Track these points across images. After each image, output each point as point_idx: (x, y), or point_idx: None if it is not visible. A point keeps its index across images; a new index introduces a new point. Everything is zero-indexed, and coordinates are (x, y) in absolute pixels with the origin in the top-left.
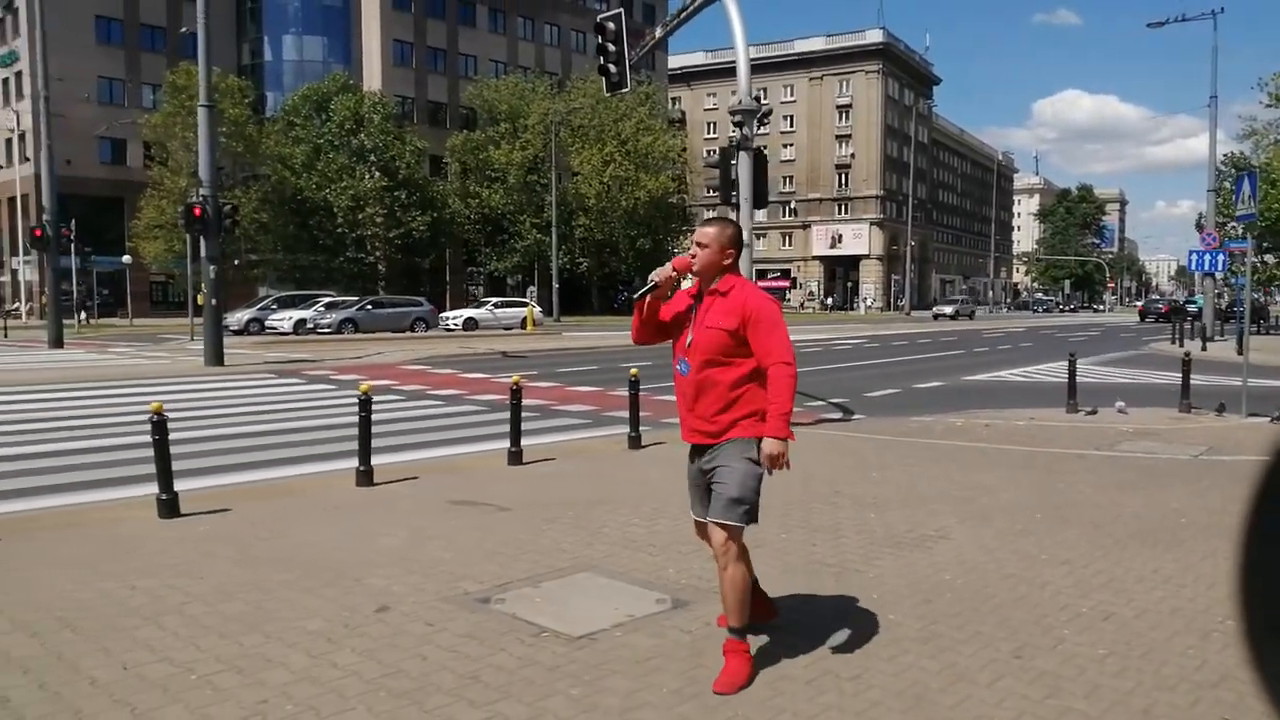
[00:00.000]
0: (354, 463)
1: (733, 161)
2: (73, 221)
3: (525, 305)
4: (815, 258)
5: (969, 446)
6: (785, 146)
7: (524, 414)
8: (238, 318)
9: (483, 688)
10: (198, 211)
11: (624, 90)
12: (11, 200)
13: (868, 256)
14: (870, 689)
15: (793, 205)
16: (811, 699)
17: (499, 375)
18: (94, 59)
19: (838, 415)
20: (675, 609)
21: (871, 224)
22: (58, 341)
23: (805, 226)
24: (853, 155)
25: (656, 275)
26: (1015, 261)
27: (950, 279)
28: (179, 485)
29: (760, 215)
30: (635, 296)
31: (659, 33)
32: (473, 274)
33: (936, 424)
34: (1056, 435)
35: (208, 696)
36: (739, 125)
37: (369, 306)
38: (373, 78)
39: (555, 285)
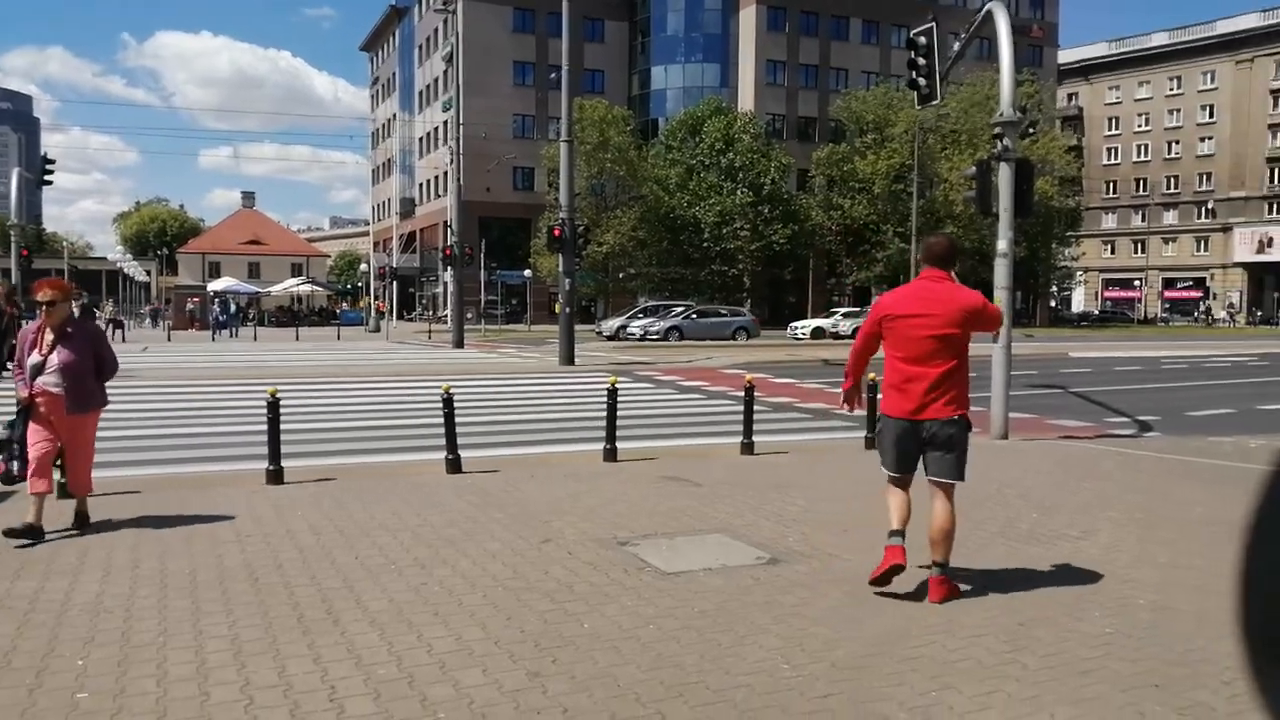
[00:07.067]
0: (619, 444)
1: (992, 174)
2: (483, 241)
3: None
4: (1237, 264)
5: (1230, 467)
6: (1203, 140)
7: (800, 415)
8: (610, 325)
9: (568, 592)
10: (557, 232)
11: (935, 103)
12: (445, 224)
13: None
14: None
15: (1210, 206)
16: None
17: (805, 381)
18: (511, 99)
19: (1130, 431)
20: (768, 564)
21: None
22: (459, 343)
23: (1225, 229)
24: None
25: None
26: None
27: None
28: (468, 454)
29: (1170, 217)
30: None
31: (956, 46)
32: (836, 285)
33: (1228, 445)
34: None
35: (390, 576)
36: (999, 137)
37: (694, 315)
38: (746, 98)
39: None
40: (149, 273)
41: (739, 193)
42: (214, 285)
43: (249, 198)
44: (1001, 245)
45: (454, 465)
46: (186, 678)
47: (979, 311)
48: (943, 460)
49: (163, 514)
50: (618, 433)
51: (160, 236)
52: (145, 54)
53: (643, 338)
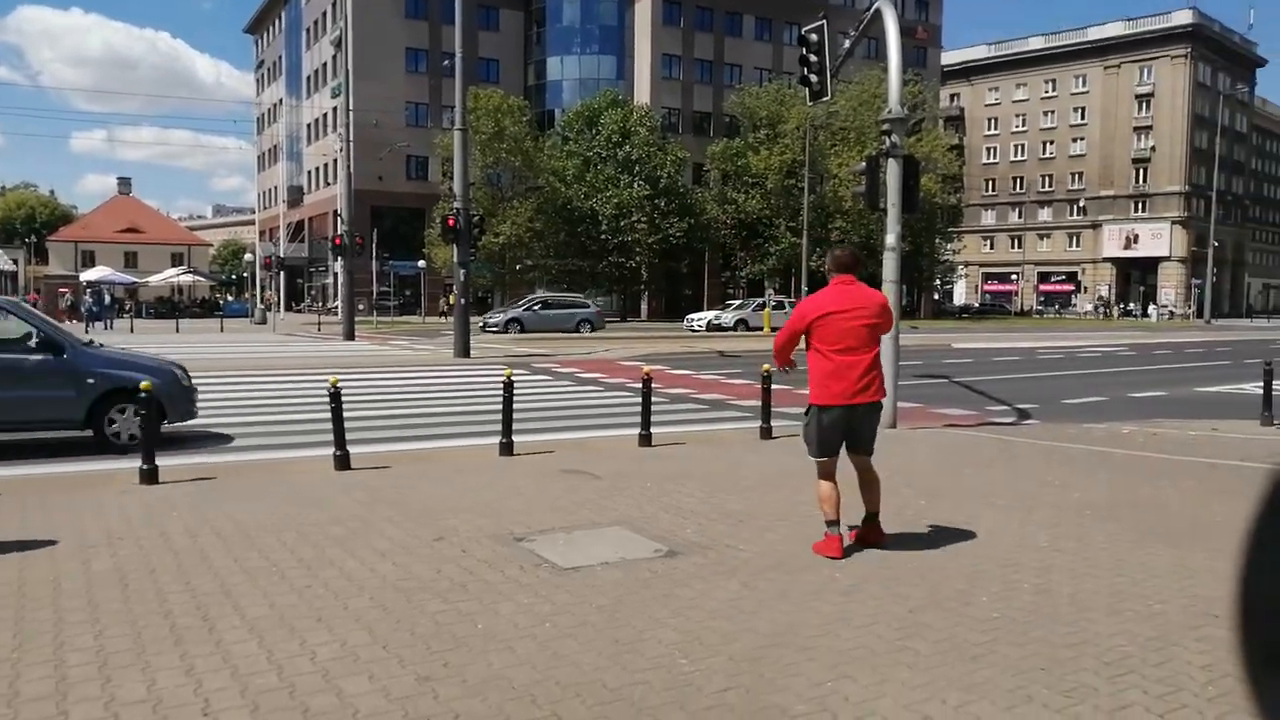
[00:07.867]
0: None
1: (881, 170)
2: (375, 231)
3: (763, 307)
4: (1106, 260)
5: (1104, 452)
6: (1075, 141)
7: (697, 406)
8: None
9: (461, 591)
10: (451, 222)
11: (825, 99)
12: (335, 213)
13: (1167, 259)
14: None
15: (1081, 204)
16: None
17: (702, 372)
18: (404, 87)
19: (1010, 419)
20: (665, 557)
21: (1173, 223)
22: (350, 335)
23: (1095, 226)
24: (1153, 148)
25: None
26: None
27: (1276, 284)
28: (357, 449)
29: (1045, 214)
30: None
31: (846, 45)
32: (731, 277)
33: (1101, 431)
34: (1220, 447)
35: (271, 580)
36: (887, 134)
37: (536, 307)
38: (643, 91)
39: (805, 288)
40: (16, 262)
41: (636, 185)
42: (88, 275)
43: (125, 184)
44: (890, 239)
45: (342, 461)
46: (43, 696)
47: (886, 308)
48: (866, 438)
49: (25, 517)
50: (514, 426)
51: (29, 224)
52: (7, 29)
53: (483, 329)
